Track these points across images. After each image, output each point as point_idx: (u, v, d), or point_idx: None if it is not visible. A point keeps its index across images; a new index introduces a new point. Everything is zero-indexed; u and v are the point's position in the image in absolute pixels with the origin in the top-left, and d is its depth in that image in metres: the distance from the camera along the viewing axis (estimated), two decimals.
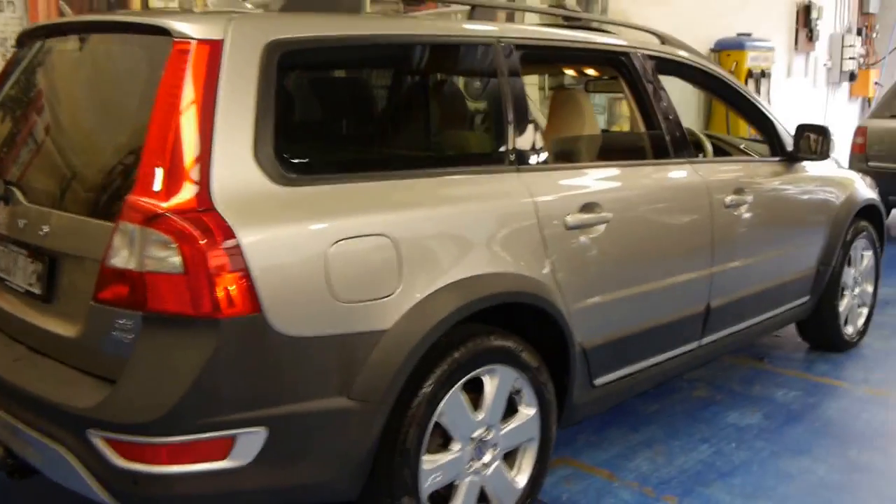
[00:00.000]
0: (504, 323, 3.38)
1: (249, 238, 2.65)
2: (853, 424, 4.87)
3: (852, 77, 15.32)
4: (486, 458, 3.35)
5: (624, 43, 4.39)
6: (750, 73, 11.33)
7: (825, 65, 14.85)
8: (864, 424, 4.87)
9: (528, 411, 3.49)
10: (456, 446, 3.23)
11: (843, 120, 14.87)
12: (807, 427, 4.79)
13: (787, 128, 5.28)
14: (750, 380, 5.51)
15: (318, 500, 2.97)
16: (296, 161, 2.89)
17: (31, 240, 3.08)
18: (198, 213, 2.62)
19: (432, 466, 3.15)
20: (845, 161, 9.70)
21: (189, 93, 2.69)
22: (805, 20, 13.85)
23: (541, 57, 4.16)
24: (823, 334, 5.93)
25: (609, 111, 8.76)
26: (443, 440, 3.22)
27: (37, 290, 3.10)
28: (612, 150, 4.50)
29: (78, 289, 2.93)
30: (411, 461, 3.05)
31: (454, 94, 3.74)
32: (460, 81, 3.74)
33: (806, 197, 5.35)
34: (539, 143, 3.67)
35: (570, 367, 3.65)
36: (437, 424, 3.14)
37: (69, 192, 3.05)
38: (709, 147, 5.04)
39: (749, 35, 11.85)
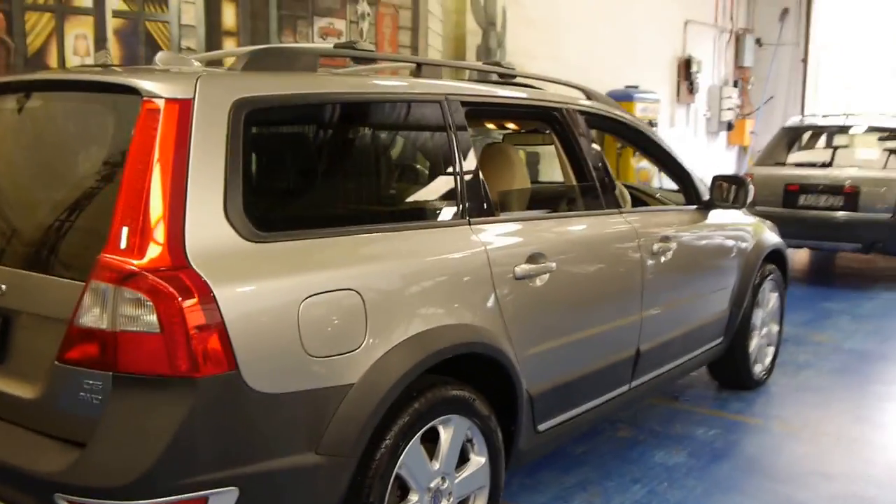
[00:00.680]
0: (455, 372, 3.32)
1: (225, 295, 2.56)
2: (776, 460, 4.91)
3: (730, 126, 15.78)
4: None
5: (560, 99, 4.44)
6: None
7: (705, 115, 15.26)
8: (786, 460, 4.92)
9: (479, 459, 3.44)
10: (414, 497, 3.16)
11: (722, 167, 15.27)
12: (733, 465, 4.82)
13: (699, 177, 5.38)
14: (669, 419, 5.53)
15: None
16: (264, 218, 2.81)
17: None
18: (173, 270, 2.51)
19: None
20: None
21: (161, 151, 2.61)
22: (686, 73, 14.24)
23: (484, 113, 4.16)
24: (735, 373, 6.00)
25: (532, 164, 8.83)
26: (400, 492, 3.14)
27: None
28: (550, 201, 4.53)
29: (35, 349, 2.79)
30: None
31: (409, 149, 3.72)
32: (413, 136, 3.71)
33: (721, 243, 5.44)
34: (486, 196, 3.64)
35: (518, 413, 3.61)
36: (396, 476, 3.06)
37: (29, 251, 2.92)
38: (628, 197, 5.07)
39: (636, 87, 12.12)
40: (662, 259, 4.62)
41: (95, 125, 3.05)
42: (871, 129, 10.76)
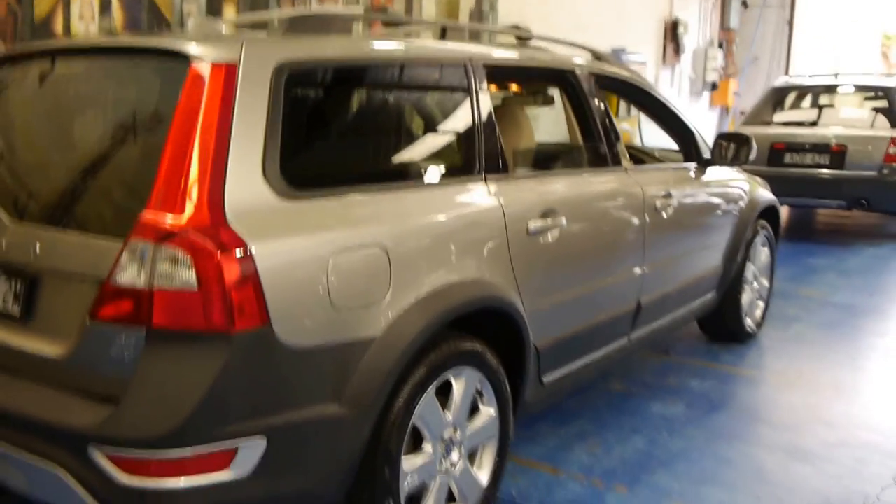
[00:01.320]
0: (465, 325, 3.35)
1: (260, 251, 2.59)
2: (776, 410, 4.98)
3: (713, 87, 15.76)
4: (454, 457, 3.33)
5: (574, 61, 4.49)
6: None
7: (689, 76, 15.23)
8: (787, 410, 4.98)
9: (489, 410, 3.48)
10: (428, 447, 3.20)
11: (703, 127, 15.27)
12: (731, 414, 4.88)
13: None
14: (661, 372, 5.58)
15: None
16: (298, 176, 2.84)
17: (15, 258, 2.93)
18: (212, 228, 2.54)
19: (409, 468, 3.12)
20: None
21: (206, 113, 2.64)
22: (672, 35, 14.18)
23: (505, 74, 4.20)
24: (726, 327, 6.06)
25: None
26: (414, 442, 3.18)
27: (13, 311, 2.95)
28: (560, 159, 4.58)
29: (64, 307, 2.80)
30: (392, 463, 3.01)
31: (432, 109, 3.75)
32: (437, 97, 3.75)
33: (719, 200, 5.49)
34: (502, 154, 3.68)
35: (526, 366, 3.66)
36: (412, 426, 3.10)
37: (61, 211, 2.91)
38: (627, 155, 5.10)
39: (623, 49, 12.09)
40: (664, 215, 4.66)
41: (139, 88, 3.05)
42: (858, 89, 10.81)
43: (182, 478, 2.55)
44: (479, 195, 3.50)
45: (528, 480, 4.03)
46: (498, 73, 3.93)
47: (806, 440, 4.53)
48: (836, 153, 9.90)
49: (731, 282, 5.75)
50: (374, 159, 3.44)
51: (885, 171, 9.69)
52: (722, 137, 5.38)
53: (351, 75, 3.36)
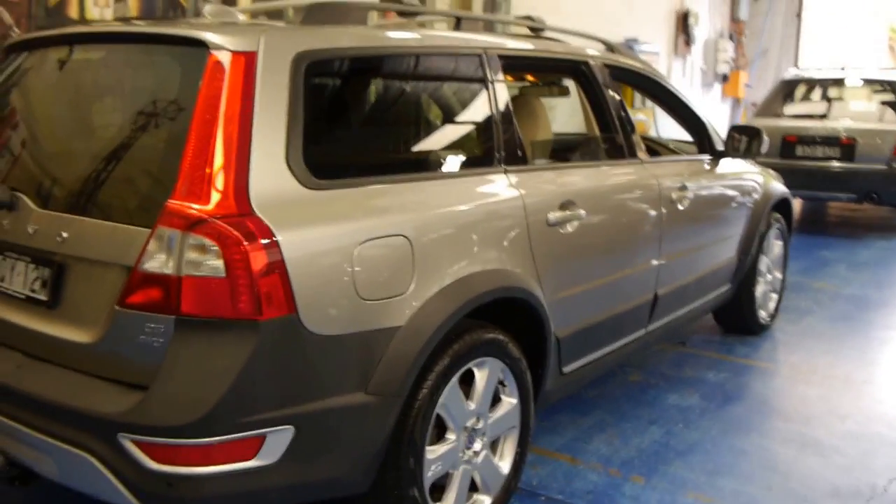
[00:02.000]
0: (487, 315, 3.36)
1: (286, 240, 2.60)
2: (790, 403, 5.00)
3: (724, 79, 15.75)
4: (477, 446, 3.33)
5: (588, 52, 4.49)
6: None
7: (701, 68, 15.22)
8: (800, 402, 5.00)
9: (511, 400, 3.49)
10: (452, 436, 3.21)
11: (716, 118, 15.25)
12: (746, 406, 4.90)
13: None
14: (678, 363, 5.59)
15: (334, 494, 2.91)
16: (322, 166, 2.83)
17: (41, 245, 2.92)
18: (239, 217, 2.55)
19: (433, 457, 3.13)
20: None
21: (227, 102, 2.64)
22: (683, 26, 14.18)
23: (519, 65, 4.19)
24: (741, 319, 6.07)
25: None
26: (438, 431, 3.18)
27: (41, 297, 2.94)
28: (577, 150, 4.58)
29: (92, 294, 2.80)
30: (417, 452, 3.02)
31: (451, 100, 3.76)
32: (455, 87, 3.75)
33: (733, 192, 5.48)
34: (520, 145, 3.69)
35: (547, 356, 3.66)
36: (436, 415, 3.11)
37: (90, 199, 2.91)
38: (643, 147, 5.10)
39: (636, 40, 12.08)
40: (679, 207, 4.66)
41: (158, 75, 3.06)
42: (867, 82, 10.79)
43: (210, 465, 2.56)
44: (500, 186, 3.50)
45: (547, 470, 4.05)
46: (512, 64, 3.92)
47: (817, 432, 4.55)
48: (846, 146, 9.90)
49: (745, 274, 5.75)
50: (395, 149, 3.45)
51: (894, 165, 9.67)
52: (734, 130, 5.39)
53: (369, 65, 3.36)
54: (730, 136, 5.36)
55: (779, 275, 6.35)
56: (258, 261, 2.52)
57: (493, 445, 3.48)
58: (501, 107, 3.63)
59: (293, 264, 2.59)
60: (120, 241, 2.69)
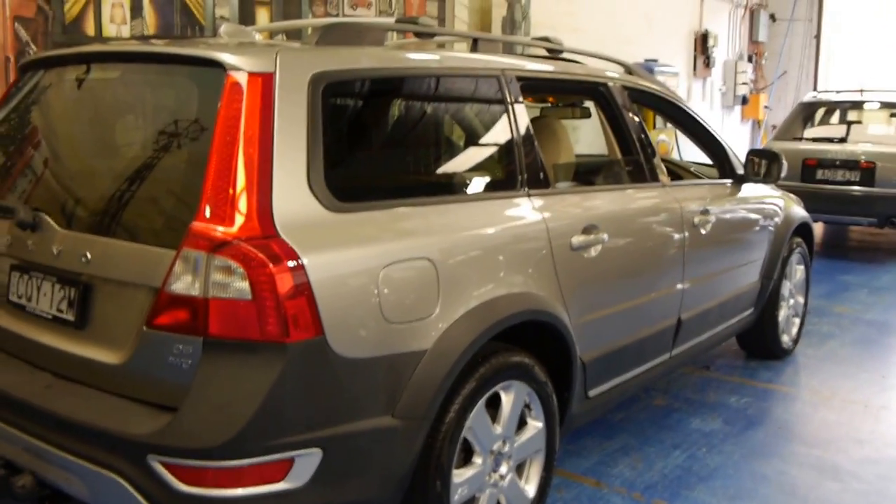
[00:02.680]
0: (513, 339, 3.36)
1: (312, 263, 2.60)
2: (810, 427, 4.99)
3: (744, 101, 15.75)
4: (503, 469, 3.34)
5: (606, 74, 4.49)
6: None
7: (720, 89, 15.23)
8: (820, 427, 4.98)
9: (536, 423, 3.49)
10: (478, 460, 3.21)
11: (737, 141, 15.25)
12: (768, 431, 4.88)
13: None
14: (702, 387, 5.58)
15: None
16: (343, 188, 2.84)
17: (66, 266, 2.94)
18: (264, 239, 2.56)
19: (460, 480, 3.13)
20: None
21: (247, 123, 2.64)
22: (703, 47, 14.20)
23: (538, 87, 4.19)
24: (764, 343, 6.05)
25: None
26: (464, 454, 3.18)
27: (69, 317, 2.96)
28: (598, 174, 4.58)
29: (120, 315, 2.82)
30: (444, 475, 3.02)
31: (470, 122, 3.75)
32: (475, 110, 3.75)
33: (755, 216, 5.47)
34: (542, 168, 3.69)
35: (573, 379, 3.67)
36: (463, 439, 3.11)
37: (113, 220, 2.92)
38: (665, 170, 5.11)
39: (655, 60, 12.10)
40: (702, 231, 4.66)
41: (178, 95, 3.07)
42: (886, 105, 10.77)
43: (239, 487, 2.57)
44: (524, 210, 3.51)
45: (572, 493, 4.05)
46: (531, 86, 3.92)
47: (836, 457, 4.55)
48: (866, 170, 9.86)
49: (768, 298, 5.73)
50: (416, 172, 3.46)
51: None
52: (753, 154, 5.39)
53: (386, 87, 3.35)
54: (749, 160, 5.36)
55: (801, 299, 6.33)
56: (284, 283, 2.53)
57: (519, 469, 3.48)
58: (522, 129, 3.63)
59: (319, 287, 2.60)
60: (145, 263, 2.70)
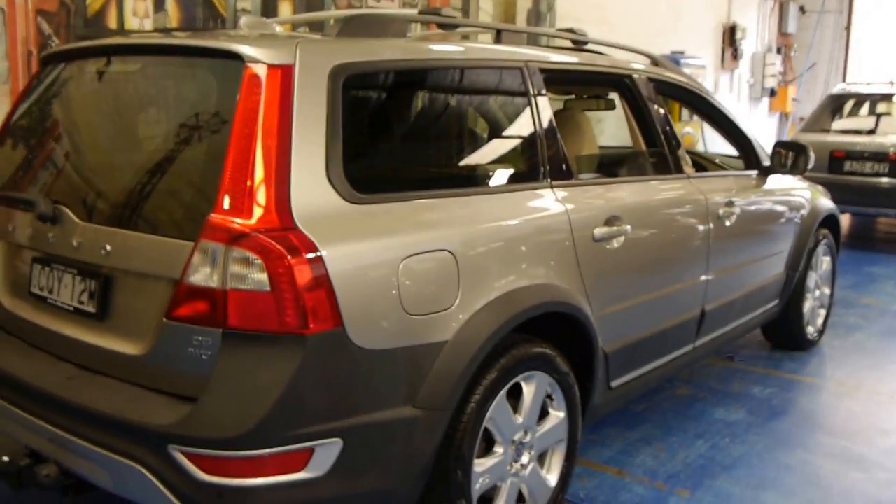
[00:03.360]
0: (535, 330, 3.34)
1: (331, 254, 2.58)
2: (835, 418, 4.92)
3: (772, 93, 15.58)
4: (524, 459, 3.31)
5: (631, 66, 4.43)
6: None
7: (748, 81, 15.07)
8: (845, 418, 4.92)
9: (558, 414, 3.46)
10: (500, 450, 3.19)
11: (764, 133, 15.11)
12: (792, 421, 4.83)
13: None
14: (726, 378, 5.53)
15: None
16: (363, 180, 2.81)
17: (86, 258, 2.94)
18: (282, 231, 2.54)
19: (481, 470, 3.11)
20: None
21: (266, 116, 2.62)
22: (730, 39, 14.05)
23: (562, 79, 4.13)
24: (789, 334, 5.98)
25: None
26: (486, 444, 3.16)
27: (89, 308, 2.96)
28: (622, 165, 4.53)
29: (139, 307, 2.82)
30: (465, 465, 3.00)
31: (493, 114, 3.71)
32: (498, 101, 3.70)
33: (780, 208, 5.40)
34: (565, 160, 3.65)
35: (595, 370, 3.63)
36: (484, 429, 3.09)
37: (132, 212, 2.91)
38: (689, 162, 5.05)
39: (682, 53, 12.00)
40: (727, 223, 4.60)
41: (197, 87, 3.05)
42: None
43: (260, 477, 2.56)
44: (546, 201, 3.47)
45: (594, 483, 4.02)
46: (555, 77, 3.86)
47: (861, 447, 4.50)
48: (895, 161, 9.73)
49: (793, 290, 5.67)
50: (437, 164, 3.41)
51: None
52: (780, 145, 5.30)
53: (408, 78, 3.30)
54: (775, 151, 5.27)
55: (827, 291, 6.25)
56: (303, 275, 2.51)
57: (541, 458, 3.46)
58: (545, 120, 3.59)
59: (338, 279, 2.58)
60: (164, 254, 2.69)
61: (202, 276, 2.55)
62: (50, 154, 3.38)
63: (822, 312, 6.28)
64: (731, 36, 14.06)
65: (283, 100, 2.66)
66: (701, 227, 4.39)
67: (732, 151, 5.54)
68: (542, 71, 3.69)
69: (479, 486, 3.10)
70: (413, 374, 2.81)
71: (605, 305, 3.67)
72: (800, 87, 16.40)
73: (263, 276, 2.50)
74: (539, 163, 3.53)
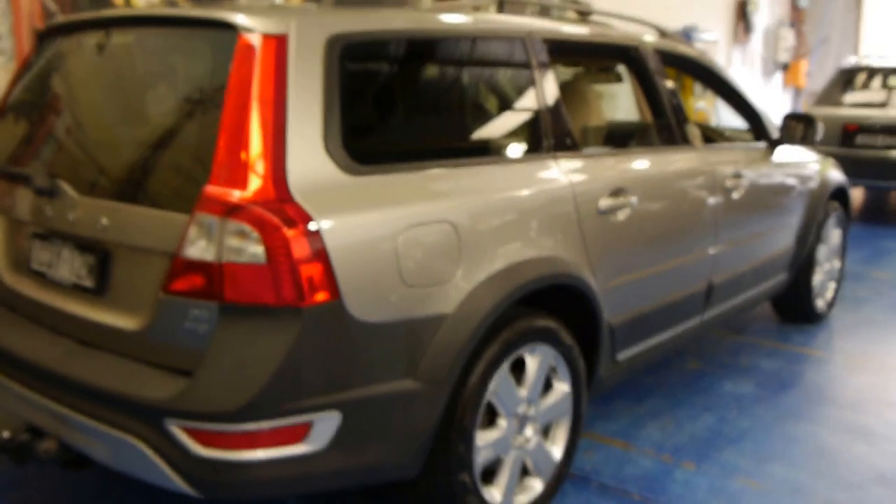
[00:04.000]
0: (540, 302, 3.28)
1: (328, 226, 2.53)
2: (843, 391, 4.85)
3: (785, 67, 15.43)
4: (528, 432, 3.27)
5: (636, 37, 4.32)
6: None
7: (761, 56, 14.91)
8: (853, 391, 4.85)
9: (562, 387, 3.41)
10: (503, 422, 3.14)
11: (777, 107, 14.97)
12: (800, 394, 4.76)
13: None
14: (735, 351, 5.46)
15: (383, 479, 2.86)
16: (361, 151, 2.75)
17: (84, 232, 2.89)
18: (278, 203, 2.48)
19: (484, 442, 3.06)
20: None
21: (261, 86, 2.56)
22: (742, 13, 13.90)
23: (563, 50, 4.03)
24: (798, 307, 5.89)
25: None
26: (489, 417, 3.11)
27: (88, 283, 2.92)
28: (628, 137, 4.44)
29: (137, 281, 2.76)
30: (467, 438, 2.95)
31: (495, 85, 3.61)
32: (500, 72, 3.61)
33: (789, 180, 5.30)
34: (569, 131, 3.57)
35: (600, 343, 3.58)
36: (486, 402, 3.04)
37: (129, 185, 2.86)
38: (699, 134, 4.95)
39: (695, 28, 11.86)
40: (734, 195, 4.52)
41: (190, 59, 2.97)
42: None
43: (257, 450, 2.52)
44: (549, 173, 3.39)
45: (601, 456, 3.97)
46: (558, 48, 3.74)
47: (868, 419, 4.44)
48: None
49: (802, 263, 5.58)
50: (437, 135, 3.31)
51: None
52: (789, 118, 5.20)
53: (406, 49, 3.21)
54: (784, 124, 5.17)
55: (837, 264, 6.16)
56: (299, 247, 2.46)
57: (546, 431, 3.41)
58: (548, 92, 3.50)
59: (335, 250, 2.53)
60: (161, 228, 2.64)
61: (198, 249, 2.50)
62: (48, 128, 3.32)
63: (832, 286, 6.19)
64: (743, 10, 13.91)
65: (277, 70, 2.59)
66: (708, 199, 4.30)
67: (743, 125, 5.44)
68: (546, 41, 3.60)
69: (481, 458, 3.06)
70: (413, 347, 2.75)
71: (611, 278, 3.61)
72: (812, 61, 16.22)
73: (259, 249, 2.44)
74: (542, 134, 3.45)
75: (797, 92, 16.31)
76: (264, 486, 2.58)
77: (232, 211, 2.46)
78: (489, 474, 3.18)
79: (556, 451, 3.44)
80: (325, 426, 2.59)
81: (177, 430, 2.51)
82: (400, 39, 3.13)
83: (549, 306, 3.33)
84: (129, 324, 2.75)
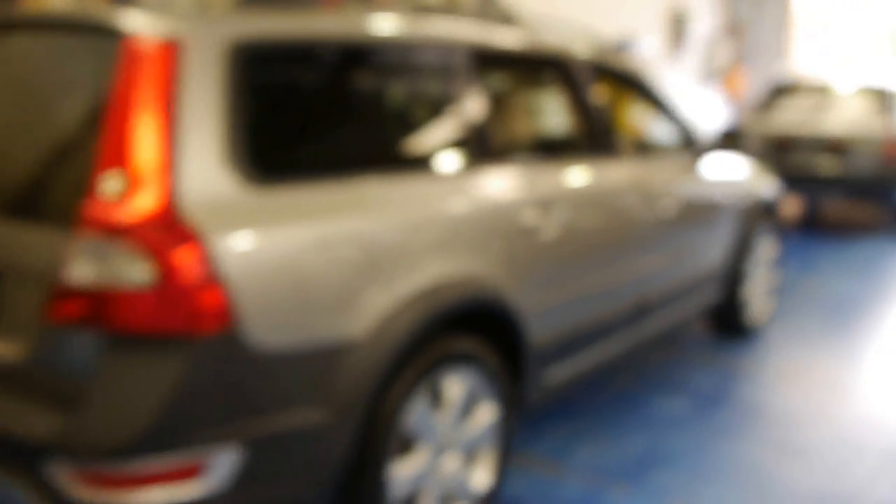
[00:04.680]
0: (462, 323, 3.10)
1: (223, 246, 2.31)
2: (772, 406, 4.75)
3: (720, 78, 15.47)
4: (450, 462, 3.08)
5: (563, 46, 4.13)
6: None
7: (695, 67, 14.93)
8: (781, 405, 4.76)
9: (488, 412, 3.22)
10: (422, 453, 2.96)
11: (712, 117, 14.97)
12: (733, 411, 4.65)
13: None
14: (666, 368, 5.32)
15: None
16: (268, 164, 2.54)
17: None
18: (166, 222, 2.25)
19: (401, 475, 2.87)
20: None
21: (147, 95, 2.33)
22: (678, 24, 13.91)
23: (492, 59, 3.81)
24: (730, 321, 5.76)
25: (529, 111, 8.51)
26: (406, 447, 2.92)
27: None
28: (554, 148, 4.23)
29: (23, 305, 2.51)
30: (380, 470, 2.76)
31: (413, 94, 3.38)
32: (418, 80, 3.37)
33: (718, 192, 5.16)
34: (491, 143, 3.37)
35: (525, 364, 3.40)
36: (402, 429, 2.85)
37: (15, 200, 2.61)
38: (626, 145, 4.78)
39: (630, 38, 11.83)
40: (662, 207, 4.36)
41: (76, 65, 2.70)
42: (858, 86, 10.54)
43: (147, 491, 2.29)
44: (470, 186, 3.19)
45: (529, 479, 3.79)
46: (484, 58, 3.52)
47: (799, 435, 4.35)
48: (838, 149, 9.70)
49: (734, 276, 5.45)
50: (352, 147, 3.04)
51: (884, 168, 9.58)
52: (718, 130, 5.10)
53: (316, 54, 2.95)
54: (713, 134, 5.07)
55: (769, 276, 6.06)
56: (189, 269, 2.24)
57: (470, 456, 3.22)
58: (469, 100, 3.30)
59: (234, 272, 2.31)
60: (44, 248, 2.41)
61: (79, 273, 2.26)
62: None
63: (765, 298, 6.08)
64: (678, 20, 13.90)
65: (167, 76, 2.37)
66: (635, 212, 4.14)
67: (673, 137, 5.30)
68: (471, 50, 3.40)
69: (398, 492, 2.87)
70: (321, 375, 2.55)
71: (535, 296, 3.43)
72: (747, 73, 16.28)
73: (146, 273, 2.22)
74: (463, 145, 3.26)
75: (730, 102, 16.35)
76: None
77: (115, 231, 2.23)
78: None
79: (483, 479, 3.25)
80: (223, 463, 2.37)
81: (54, 471, 2.28)
82: (307, 44, 2.88)
83: (472, 325, 3.15)
84: (12, 352, 2.50)
